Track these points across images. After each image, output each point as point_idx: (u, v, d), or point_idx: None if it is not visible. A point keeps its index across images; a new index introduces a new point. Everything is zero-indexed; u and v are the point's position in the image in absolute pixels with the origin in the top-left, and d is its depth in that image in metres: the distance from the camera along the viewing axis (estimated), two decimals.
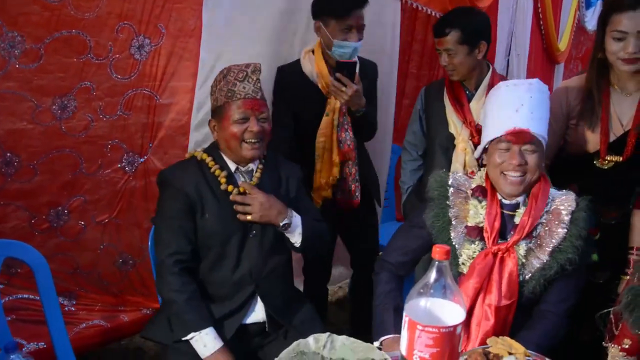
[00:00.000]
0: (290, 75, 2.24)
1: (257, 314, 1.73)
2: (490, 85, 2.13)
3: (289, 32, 2.47)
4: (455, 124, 2.17)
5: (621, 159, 1.81)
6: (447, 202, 1.60)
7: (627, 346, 1.44)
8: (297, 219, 1.75)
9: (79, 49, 1.95)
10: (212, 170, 1.72)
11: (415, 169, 2.37)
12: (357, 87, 2.09)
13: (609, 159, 1.83)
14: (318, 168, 2.22)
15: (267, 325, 1.74)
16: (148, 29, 2.08)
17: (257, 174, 1.76)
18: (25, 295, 1.98)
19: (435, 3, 3.07)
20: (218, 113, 1.72)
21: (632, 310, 1.40)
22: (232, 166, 1.75)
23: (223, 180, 1.71)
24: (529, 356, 1.25)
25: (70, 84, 1.97)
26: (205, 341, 1.58)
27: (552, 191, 1.58)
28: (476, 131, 2.11)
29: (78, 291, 2.16)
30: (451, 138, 2.19)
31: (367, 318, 2.39)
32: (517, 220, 1.54)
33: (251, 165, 1.77)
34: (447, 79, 2.24)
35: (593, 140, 1.85)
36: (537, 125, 1.52)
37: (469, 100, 2.17)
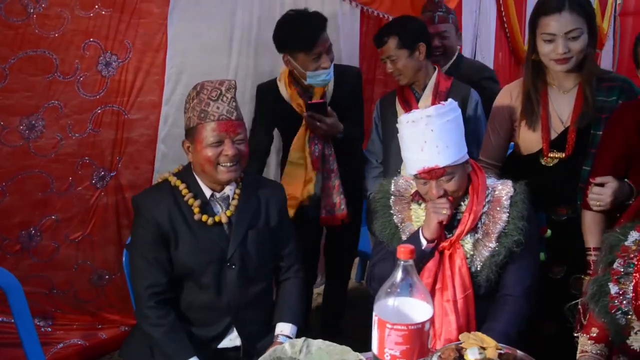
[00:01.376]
0: (267, 95, 2.28)
1: (234, 340, 1.68)
2: (437, 85, 2.23)
3: (258, 44, 2.50)
4: None
5: (564, 155, 1.86)
6: (390, 211, 1.66)
7: (594, 334, 1.49)
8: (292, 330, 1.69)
9: (45, 68, 1.94)
10: (185, 198, 1.61)
11: (376, 176, 2.43)
12: (330, 120, 2.14)
13: (552, 155, 1.88)
14: (287, 182, 2.21)
15: (241, 352, 1.68)
16: (114, 45, 2.09)
17: (234, 202, 1.66)
18: (0, 319, 1.95)
19: (398, 9, 3.12)
20: (191, 134, 1.61)
21: (597, 300, 1.45)
22: (208, 192, 1.64)
23: (197, 210, 1.61)
24: (500, 349, 1.28)
25: (37, 103, 1.96)
26: None
27: (490, 182, 1.63)
28: None
29: (54, 312, 2.13)
30: None
31: (339, 324, 2.42)
32: (459, 217, 1.59)
33: (227, 191, 1.66)
34: (399, 86, 2.32)
35: (536, 139, 1.90)
36: (445, 156, 1.52)
37: (417, 101, 2.25)
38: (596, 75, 1.84)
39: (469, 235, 1.56)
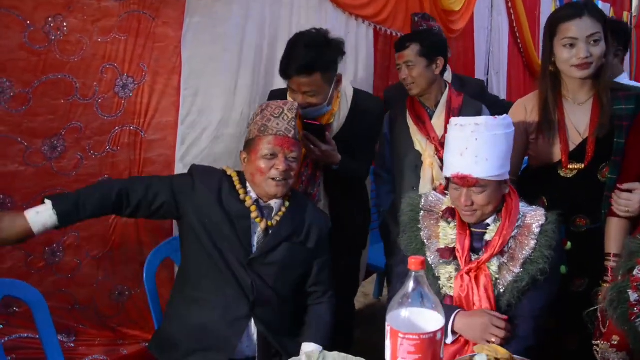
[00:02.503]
0: (278, 98, 2.22)
1: (248, 348, 1.69)
2: (449, 102, 2.23)
3: (268, 64, 2.55)
4: (420, 142, 2.25)
5: (583, 165, 1.86)
6: (419, 226, 1.66)
7: (615, 342, 1.48)
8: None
9: (66, 91, 2.02)
10: (237, 187, 1.73)
11: (389, 191, 2.43)
12: (325, 148, 2.01)
13: (571, 167, 1.88)
14: None
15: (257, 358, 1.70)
16: (131, 68, 2.16)
17: (278, 215, 1.74)
18: (25, 335, 1.99)
19: (409, 28, 3.16)
20: (249, 145, 1.74)
21: (616, 307, 1.44)
22: (254, 197, 1.74)
23: (248, 198, 1.72)
24: None
25: (59, 125, 2.03)
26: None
27: (523, 207, 1.63)
28: (440, 145, 2.18)
29: (77, 327, 2.17)
30: (418, 156, 2.26)
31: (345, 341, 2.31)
32: (488, 237, 1.59)
33: (272, 204, 1.75)
34: (409, 100, 2.32)
35: (554, 151, 1.90)
36: (482, 168, 1.53)
37: (430, 118, 2.26)
38: (610, 87, 1.84)
39: (495, 258, 1.56)
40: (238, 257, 1.68)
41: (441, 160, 2.19)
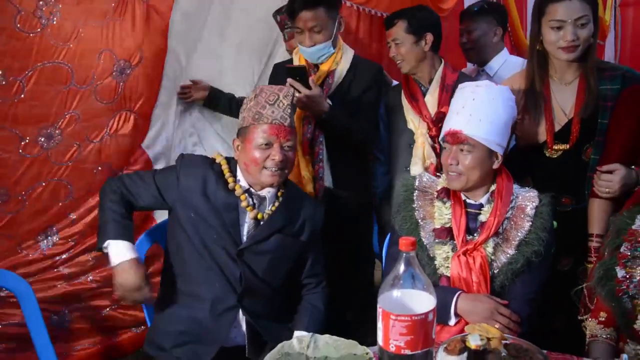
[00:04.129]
0: (281, 69, 2.23)
1: (238, 336, 1.69)
2: (443, 79, 2.21)
3: (259, 46, 2.55)
4: (412, 121, 2.23)
5: (568, 146, 1.87)
6: (413, 205, 1.66)
7: (603, 319, 1.50)
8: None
9: (62, 79, 1.99)
10: (226, 176, 1.67)
11: (384, 172, 2.42)
12: (310, 92, 2.00)
13: (556, 147, 1.88)
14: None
15: (246, 350, 1.69)
16: (126, 52, 2.15)
17: (271, 210, 1.70)
18: (16, 321, 1.97)
19: (396, 6, 3.12)
20: (243, 133, 1.67)
21: (603, 284, 1.46)
22: (245, 186, 1.69)
23: (238, 187, 1.66)
24: (505, 340, 1.28)
25: (57, 114, 2.01)
26: (119, 249, 1.56)
27: (516, 188, 1.63)
28: (432, 123, 2.17)
29: (69, 316, 2.16)
30: (412, 134, 2.25)
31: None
32: (482, 218, 1.59)
33: (264, 192, 1.69)
34: (404, 78, 2.32)
35: (540, 131, 1.90)
36: (475, 127, 1.54)
37: (424, 95, 2.24)
38: (596, 66, 1.84)
39: (491, 239, 1.56)
40: (226, 248, 1.65)
41: (432, 138, 2.19)
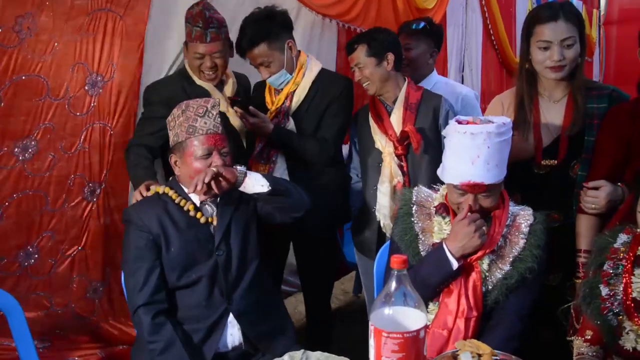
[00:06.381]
0: (258, 87, 2.41)
1: (233, 338, 1.72)
2: (407, 98, 2.25)
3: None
4: (379, 141, 2.27)
5: (556, 162, 1.90)
6: (412, 219, 1.68)
7: (589, 337, 1.51)
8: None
9: (38, 91, 1.99)
10: (176, 201, 1.72)
11: (360, 190, 2.44)
12: (253, 120, 2.14)
13: (544, 163, 1.92)
14: None
15: (243, 345, 1.72)
16: (100, 67, 2.17)
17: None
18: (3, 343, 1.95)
19: (380, 23, 3.16)
20: (179, 149, 1.72)
21: (589, 302, 1.48)
22: (197, 200, 1.74)
23: (191, 207, 1.71)
24: (495, 355, 1.29)
25: (32, 126, 2.00)
26: None
27: (511, 207, 1.65)
28: (398, 142, 2.20)
29: (53, 333, 2.14)
30: (379, 154, 2.28)
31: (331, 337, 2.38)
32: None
33: (209, 201, 1.76)
34: (370, 100, 2.36)
35: (528, 147, 1.93)
36: (492, 174, 1.55)
37: (389, 115, 2.27)
38: (584, 85, 1.89)
39: (486, 256, 1.58)
40: (207, 261, 1.70)
41: (398, 157, 2.22)
